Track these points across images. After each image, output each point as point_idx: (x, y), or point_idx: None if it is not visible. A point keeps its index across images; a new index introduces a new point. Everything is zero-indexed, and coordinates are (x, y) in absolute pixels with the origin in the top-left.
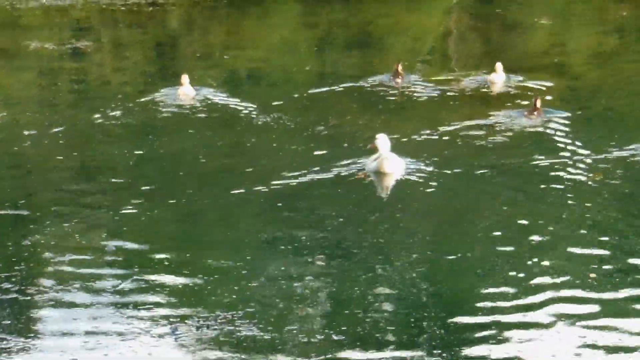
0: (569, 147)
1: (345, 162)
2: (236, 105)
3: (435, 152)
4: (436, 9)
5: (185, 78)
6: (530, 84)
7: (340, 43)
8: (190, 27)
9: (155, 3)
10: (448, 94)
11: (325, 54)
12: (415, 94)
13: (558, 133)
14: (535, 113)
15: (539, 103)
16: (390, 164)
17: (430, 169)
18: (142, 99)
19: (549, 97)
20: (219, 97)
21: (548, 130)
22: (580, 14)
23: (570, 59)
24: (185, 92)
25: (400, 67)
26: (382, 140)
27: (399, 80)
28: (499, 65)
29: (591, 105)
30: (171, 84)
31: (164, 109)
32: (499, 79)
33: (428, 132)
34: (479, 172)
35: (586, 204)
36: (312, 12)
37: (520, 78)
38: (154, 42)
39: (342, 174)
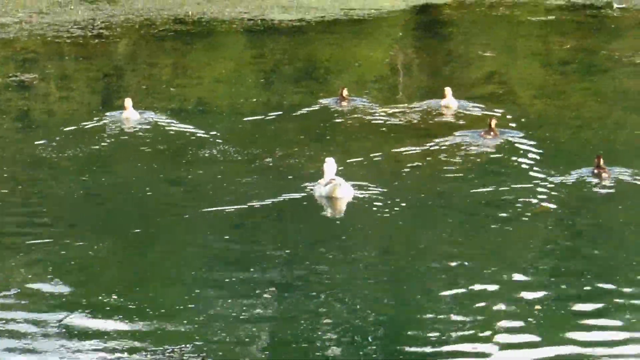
0: (514, 176)
1: (292, 190)
2: (182, 136)
3: (384, 176)
4: (382, 42)
5: (128, 102)
6: (478, 108)
7: (286, 74)
8: (137, 59)
9: (101, 35)
10: (396, 118)
11: (272, 85)
12: (361, 118)
13: (503, 161)
14: (492, 134)
15: (493, 123)
16: (342, 190)
17: (379, 193)
18: (87, 129)
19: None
20: (165, 127)
21: (494, 156)
22: (523, 47)
23: (515, 91)
24: (129, 117)
25: (345, 92)
26: (330, 164)
27: (344, 103)
28: (448, 90)
29: (536, 135)
30: (113, 117)
31: (109, 139)
32: (452, 103)
33: (376, 155)
34: (427, 197)
35: (531, 235)
36: (259, 44)
37: (470, 103)
38: (99, 74)
39: (289, 203)
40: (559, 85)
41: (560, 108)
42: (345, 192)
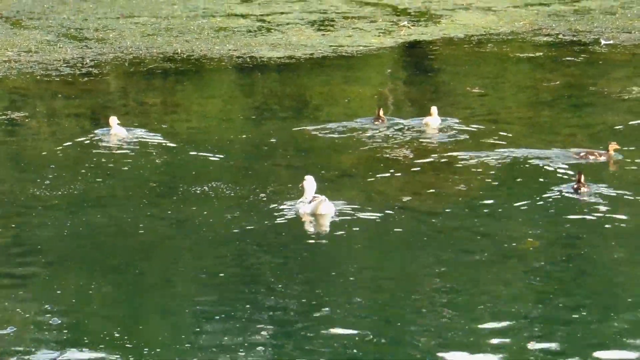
0: (504, 211)
1: (283, 227)
2: (173, 172)
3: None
4: (371, 78)
5: (113, 120)
6: (464, 127)
7: (276, 111)
8: (126, 96)
9: (90, 73)
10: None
11: (262, 122)
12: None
13: (490, 196)
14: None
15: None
16: (326, 206)
17: (363, 212)
18: (77, 166)
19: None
20: (156, 164)
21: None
22: (512, 83)
23: (504, 127)
24: (117, 133)
25: (381, 112)
26: (309, 182)
27: (380, 122)
28: (434, 109)
29: (525, 172)
30: (102, 155)
31: (100, 175)
32: (434, 122)
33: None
34: (411, 219)
35: (522, 270)
36: (248, 82)
37: (456, 120)
38: (89, 111)
39: (280, 230)
40: (548, 121)
41: (548, 143)
42: (328, 209)
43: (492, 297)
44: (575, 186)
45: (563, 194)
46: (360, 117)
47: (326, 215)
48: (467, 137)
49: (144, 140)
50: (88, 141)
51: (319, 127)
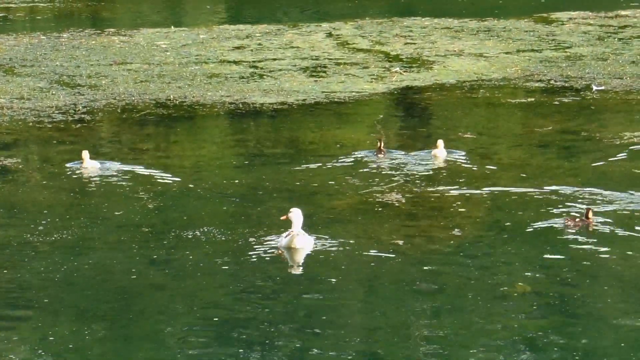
0: (496, 256)
1: (275, 273)
2: (164, 218)
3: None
4: (363, 124)
5: (85, 154)
6: (468, 161)
7: (268, 156)
8: (119, 143)
9: (83, 120)
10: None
11: (254, 168)
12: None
13: (482, 241)
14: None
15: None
16: (300, 240)
17: (352, 256)
18: (70, 211)
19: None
20: (148, 209)
21: (474, 237)
22: (504, 128)
23: (495, 172)
24: (89, 167)
25: (382, 144)
26: (296, 214)
27: (381, 155)
28: (440, 142)
29: (516, 218)
30: (94, 200)
31: (90, 220)
32: (442, 154)
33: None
34: (398, 259)
35: (513, 316)
36: (240, 127)
37: (462, 153)
38: (80, 159)
39: (272, 285)
40: (540, 166)
41: (541, 190)
42: (303, 243)
43: (484, 343)
44: (585, 223)
45: (556, 237)
46: (352, 161)
47: (301, 249)
48: (461, 179)
49: (136, 187)
50: (68, 180)
51: (312, 169)
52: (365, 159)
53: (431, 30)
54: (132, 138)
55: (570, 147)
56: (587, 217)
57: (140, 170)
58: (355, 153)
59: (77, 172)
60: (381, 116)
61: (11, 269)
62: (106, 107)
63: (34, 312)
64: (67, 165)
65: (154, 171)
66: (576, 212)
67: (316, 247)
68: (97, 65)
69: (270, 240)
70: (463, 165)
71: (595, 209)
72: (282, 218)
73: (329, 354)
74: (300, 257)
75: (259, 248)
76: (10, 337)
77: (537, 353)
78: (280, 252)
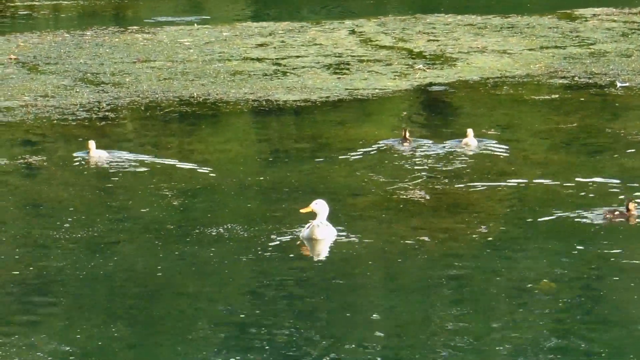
0: (521, 253)
1: (299, 269)
2: (189, 215)
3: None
4: (386, 121)
5: (92, 143)
6: (500, 149)
7: (292, 154)
8: (143, 140)
9: (107, 117)
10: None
11: (278, 165)
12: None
13: (507, 237)
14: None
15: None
16: (321, 231)
17: (376, 254)
18: (93, 210)
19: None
20: (172, 207)
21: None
22: (527, 125)
23: (519, 169)
24: (96, 156)
25: (407, 133)
26: (321, 206)
27: (407, 144)
28: (470, 131)
29: (541, 215)
30: (119, 198)
31: (116, 220)
32: (473, 142)
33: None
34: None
35: (538, 314)
36: (264, 125)
37: (494, 142)
38: (135, 168)
39: (296, 281)
40: (564, 163)
41: (565, 187)
42: (325, 234)
43: (508, 341)
44: (625, 216)
45: (582, 233)
46: (376, 159)
47: (322, 240)
48: (485, 175)
49: (161, 184)
50: (103, 185)
51: (335, 166)
52: (390, 150)
53: (454, 27)
54: (155, 135)
55: (595, 144)
56: (627, 210)
57: (158, 163)
58: (381, 142)
59: (99, 165)
60: (405, 113)
61: (38, 266)
62: (130, 104)
63: (61, 309)
64: (74, 154)
65: (178, 168)
66: (601, 206)
67: (339, 238)
68: (120, 62)
69: (294, 237)
70: (491, 157)
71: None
72: (301, 211)
73: (353, 351)
74: (321, 249)
75: (283, 245)
76: (34, 333)
77: (561, 351)
78: (301, 242)
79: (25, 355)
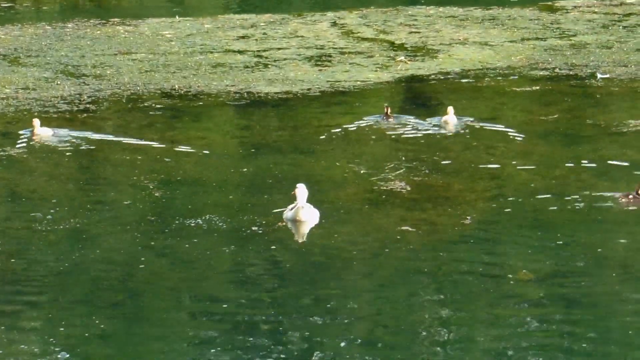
0: (501, 243)
1: (280, 259)
2: (169, 207)
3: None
4: (368, 113)
5: (36, 122)
6: (482, 124)
7: (273, 146)
8: (124, 133)
9: (88, 110)
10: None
11: (259, 157)
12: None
13: (487, 228)
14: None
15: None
16: (305, 213)
17: (358, 245)
18: (75, 201)
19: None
20: (153, 198)
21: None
22: (509, 117)
23: (500, 161)
24: (41, 134)
25: (389, 110)
26: (301, 190)
27: (391, 120)
28: (450, 109)
29: (521, 206)
30: (102, 187)
31: (96, 212)
32: (452, 120)
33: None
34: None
35: (516, 302)
36: (245, 117)
37: (471, 119)
38: (85, 148)
39: (278, 271)
40: (544, 154)
41: (545, 178)
42: (309, 216)
43: (489, 330)
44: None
45: (564, 224)
46: (359, 150)
47: (307, 222)
48: (466, 167)
49: (142, 176)
50: (85, 178)
51: (317, 158)
52: (372, 136)
53: (436, 18)
54: (137, 127)
55: (575, 135)
56: (637, 194)
57: (140, 153)
58: (365, 118)
59: (59, 149)
60: (386, 105)
61: (19, 258)
62: (111, 96)
63: (44, 301)
64: (20, 132)
65: (159, 160)
66: (582, 197)
67: (320, 230)
68: (102, 55)
69: (275, 228)
70: (471, 147)
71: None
72: (292, 193)
73: (335, 341)
74: (304, 231)
75: (264, 236)
76: (16, 325)
77: (541, 340)
78: (284, 223)
79: (5, 347)
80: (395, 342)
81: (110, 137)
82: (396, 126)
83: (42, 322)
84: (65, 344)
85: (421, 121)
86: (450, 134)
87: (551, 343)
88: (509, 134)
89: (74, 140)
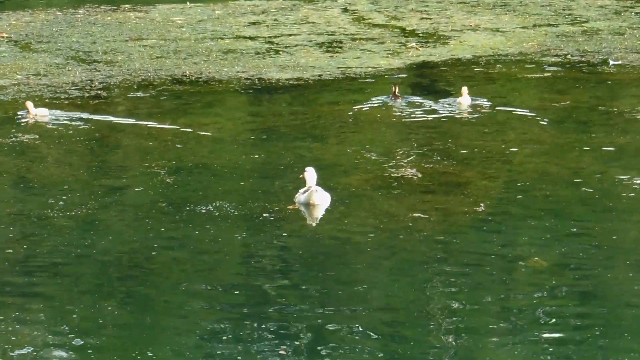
0: (514, 231)
1: (292, 246)
2: (180, 193)
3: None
4: (378, 98)
5: (29, 104)
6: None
7: (284, 132)
8: (135, 119)
9: (99, 96)
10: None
11: (270, 143)
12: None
13: (500, 215)
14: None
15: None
16: (318, 196)
17: (369, 233)
18: (86, 188)
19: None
20: (163, 184)
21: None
22: (520, 103)
23: (512, 148)
24: (37, 114)
25: (397, 89)
26: (310, 173)
27: (399, 100)
28: (464, 89)
29: (533, 193)
30: (113, 173)
31: (108, 199)
32: (466, 101)
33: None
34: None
35: (530, 291)
36: (256, 103)
37: (485, 100)
38: (97, 135)
39: (289, 258)
40: (557, 141)
41: (557, 164)
42: (321, 199)
43: (501, 318)
44: None
45: (576, 212)
46: (369, 137)
47: (319, 205)
48: (478, 153)
49: (153, 162)
50: (96, 163)
51: (328, 144)
52: (383, 123)
53: (447, 4)
54: (148, 114)
55: (587, 122)
56: None
57: (152, 139)
58: (373, 99)
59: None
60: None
61: (31, 245)
62: (122, 83)
63: (56, 287)
64: (18, 113)
65: (171, 147)
66: (595, 184)
67: (332, 216)
68: (113, 41)
69: (287, 215)
70: (483, 133)
71: (614, 184)
72: (300, 177)
73: (347, 329)
74: (318, 214)
75: (275, 222)
76: (28, 313)
77: (552, 328)
78: (296, 206)
79: (18, 334)
80: (406, 330)
81: (121, 123)
82: (407, 109)
83: (54, 309)
84: (79, 332)
85: (430, 101)
86: (464, 117)
87: (564, 332)
88: (522, 118)
89: (84, 125)
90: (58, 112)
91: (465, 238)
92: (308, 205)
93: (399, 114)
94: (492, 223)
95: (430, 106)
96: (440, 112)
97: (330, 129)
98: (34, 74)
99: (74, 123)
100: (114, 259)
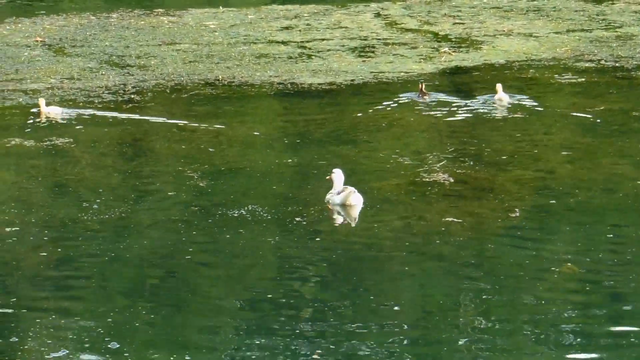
0: (546, 237)
1: (324, 251)
2: (212, 198)
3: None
4: (407, 95)
5: (41, 101)
6: (530, 102)
7: (317, 137)
8: (168, 123)
9: (132, 100)
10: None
11: (303, 148)
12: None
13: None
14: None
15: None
16: (356, 197)
17: (401, 238)
18: (118, 192)
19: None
20: (196, 189)
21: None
22: (553, 108)
23: (545, 153)
24: (49, 112)
25: (423, 86)
26: (338, 175)
27: (426, 97)
28: (499, 86)
29: (566, 199)
30: (146, 177)
31: (141, 203)
32: (505, 97)
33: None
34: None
35: (562, 297)
36: (289, 108)
37: (525, 97)
38: (130, 138)
39: (321, 263)
40: (590, 147)
41: (591, 170)
42: (358, 200)
43: (533, 324)
44: None
45: (612, 217)
46: (403, 142)
47: (355, 206)
48: (510, 159)
49: (186, 166)
50: (129, 167)
51: (360, 149)
52: (415, 129)
53: (480, 9)
54: (181, 117)
55: (621, 127)
56: None
57: (184, 143)
58: (401, 96)
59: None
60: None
61: (65, 248)
62: (155, 87)
63: (90, 290)
64: (32, 110)
65: (203, 150)
66: (628, 189)
67: (365, 222)
68: (146, 45)
69: (319, 219)
70: (515, 140)
71: None
72: (327, 178)
73: (379, 334)
74: (354, 214)
75: (308, 227)
76: (64, 315)
77: (584, 335)
78: (328, 212)
79: (53, 334)
80: (439, 335)
81: (154, 127)
82: (439, 111)
83: (89, 312)
84: (114, 334)
85: (462, 100)
86: (496, 121)
87: (595, 339)
88: (555, 123)
89: (117, 129)
90: (69, 111)
91: (499, 244)
92: (344, 206)
93: (432, 117)
94: (525, 229)
95: (465, 104)
96: (475, 113)
97: (362, 134)
98: (68, 78)
99: (105, 127)
100: (147, 263)
